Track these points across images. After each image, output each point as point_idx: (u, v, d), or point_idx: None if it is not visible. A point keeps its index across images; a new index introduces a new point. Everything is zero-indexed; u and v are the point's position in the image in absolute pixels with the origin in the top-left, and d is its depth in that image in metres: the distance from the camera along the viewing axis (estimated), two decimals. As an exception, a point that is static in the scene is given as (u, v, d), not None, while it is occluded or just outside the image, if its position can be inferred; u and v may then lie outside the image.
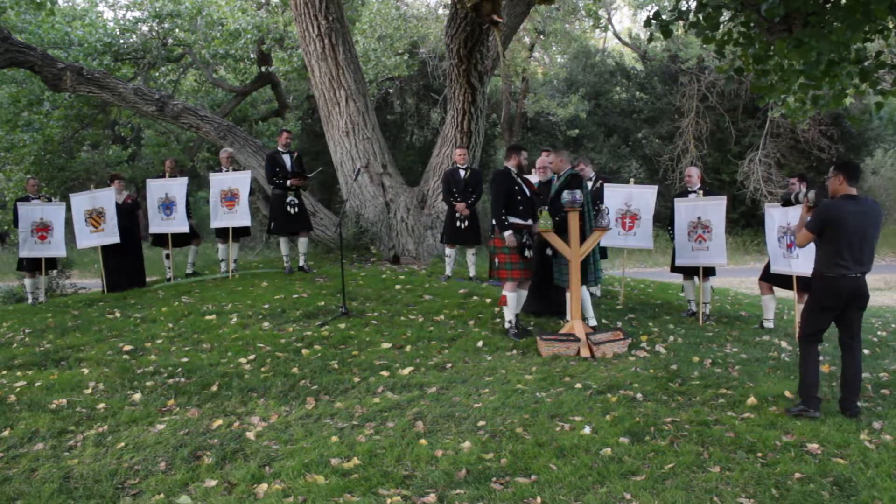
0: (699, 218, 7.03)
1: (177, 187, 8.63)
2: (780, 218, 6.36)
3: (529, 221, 6.25)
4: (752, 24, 5.20)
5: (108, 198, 8.28)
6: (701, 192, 7.33)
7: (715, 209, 6.99)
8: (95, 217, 8.24)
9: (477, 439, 3.98)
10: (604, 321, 6.81)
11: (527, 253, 6.16)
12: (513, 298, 6.16)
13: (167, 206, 8.60)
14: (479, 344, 5.91)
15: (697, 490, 3.39)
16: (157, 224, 8.63)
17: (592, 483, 3.47)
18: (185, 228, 8.66)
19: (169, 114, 10.69)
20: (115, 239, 8.23)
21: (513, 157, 6.33)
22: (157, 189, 8.64)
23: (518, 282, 6.21)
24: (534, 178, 7.32)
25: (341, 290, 6.94)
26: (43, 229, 8.25)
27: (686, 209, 7.15)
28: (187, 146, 15.45)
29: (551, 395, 4.70)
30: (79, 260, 15.81)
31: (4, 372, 5.42)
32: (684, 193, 7.46)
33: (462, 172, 8.35)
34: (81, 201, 8.32)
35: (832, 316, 4.39)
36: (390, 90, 19.88)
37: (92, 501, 3.43)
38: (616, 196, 7.60)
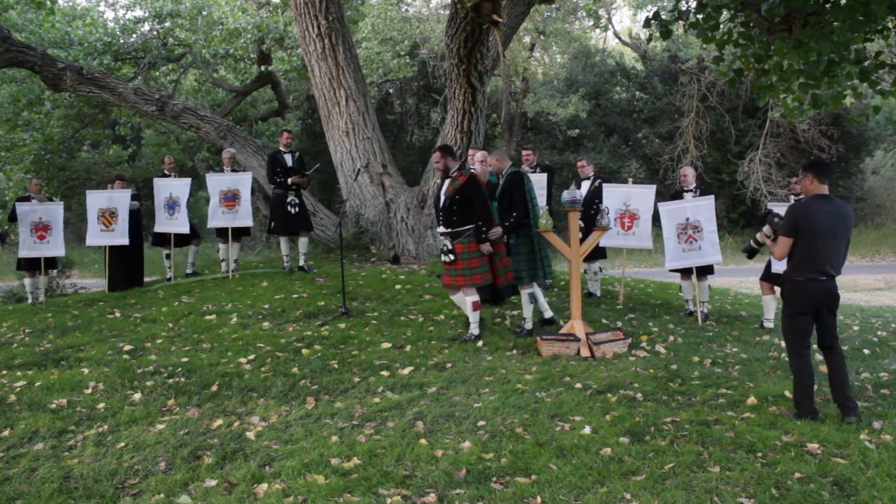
0: (687, 219, 7.03)
1: (180, 187, 8.64)
2: None
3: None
4: (752, 24, 5.20)
5: (123, 199, 8.31)
6: (698, 191, 7.33)
7: (702, 209, 7.00)
8: (108, 216, 8.27)
9: (477, 439, 3.98)
10: (604, 321, 6.81)
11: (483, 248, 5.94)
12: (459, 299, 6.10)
13: (171, 205, 8.61)
14: (479, 344, 5.90)
15: (697, 490, 3.39)
16: (161, 223, 8.64)
17: (592, 483, 3.47)
18: (186, 229, 8.67)
19: (169, 114, 10.68)
20: (124, 241, 8.26)
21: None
22: (162, 188, 8.65)
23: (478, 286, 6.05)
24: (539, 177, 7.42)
25: (341, 290, 6.94)
26: (42, 229, 8.25)
27: (672, 212, 7.15)
28: (187, 146, 15.44)
29: (551, 395, 4.70)
30: (79, 260, 15.82)
31: (4, 372, 5.42)
32: (679, 194, 7.47)
33: None
34: (97, 199, 8.35)
35: (809, 319, 4.30)
36: (390, 90, 19.88)
37: (92, 501, 3.43)
38: (615, 196, 7.61)
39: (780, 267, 6.39)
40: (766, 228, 4.46)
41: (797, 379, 4.34)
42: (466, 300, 6.03)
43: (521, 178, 6.18)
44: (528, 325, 6.25)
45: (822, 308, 4.26)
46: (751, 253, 4.76)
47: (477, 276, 5.92)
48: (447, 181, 5.99)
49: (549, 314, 6.59)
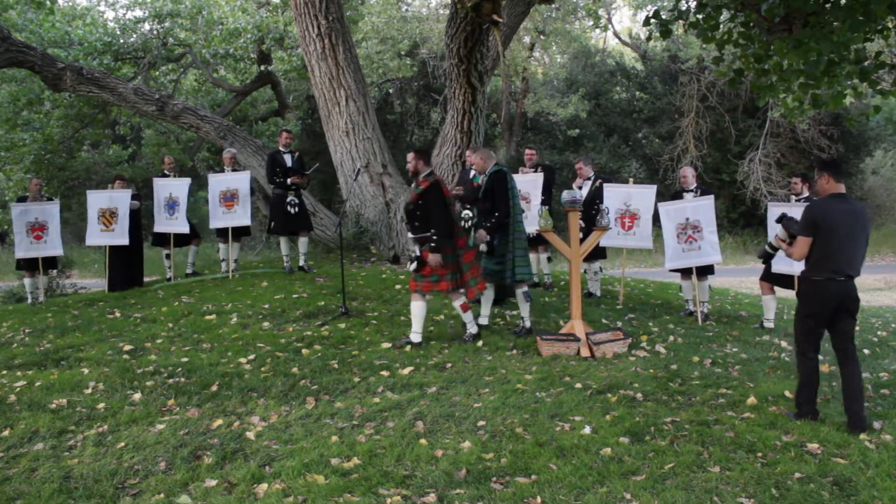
0: (687, 219, 7.04)
1: (180, 187, 8.65)
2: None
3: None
4: (752, 24, 5.20)
5: (123, 199, 8.31)
6: (698, 191, 7.33)
7: (702, 209, 7.01)
8: (108, 216, 8.27)
9: (477, 439, 3.98)
10: (604, 321, 6.81)
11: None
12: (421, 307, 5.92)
13: (170, 205, 8.61)
14: (479, 344, 5.90)
15: (697, 490, 3.39)
16: (161, 223, 8.65)
17: (592, 483, 3.47)
18: (186, 229, 8.67)
19: (169, 114, 10.69)
20: (124, 241, 8.25)
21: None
22: (162, 188, 8.66)
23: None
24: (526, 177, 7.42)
25: (341, 290, 6.94)
26: (38, 229, 8.25)
27: (671, 212, 7.15)
28: (187, 146, 15.44)
29: (551, 395, 4.70)
30: (79, 260, 15.81)
31: (4, 372, 5.42)
32: (679, 194, 7.47)
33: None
34: (98, 198, 8.35)
35: (823, 323, 4.20)
36: (390, 90, 19.88)
37: (92, 501, 3.43)
38: (615, 196, 7.62)
39: (781, 267, 6.39)
40: (781, 231, 4.38)
41: (802, 380, 4.28)
42: (454, 304, 6.04)
43: (504, 177, 6.03)
44: (527, 324, 6.25)
45: (840, 310, 4.13)
46: (766, 258, 4.77)
47: (444, 283, 5.84)
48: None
49: (474, 329, 6.10)
